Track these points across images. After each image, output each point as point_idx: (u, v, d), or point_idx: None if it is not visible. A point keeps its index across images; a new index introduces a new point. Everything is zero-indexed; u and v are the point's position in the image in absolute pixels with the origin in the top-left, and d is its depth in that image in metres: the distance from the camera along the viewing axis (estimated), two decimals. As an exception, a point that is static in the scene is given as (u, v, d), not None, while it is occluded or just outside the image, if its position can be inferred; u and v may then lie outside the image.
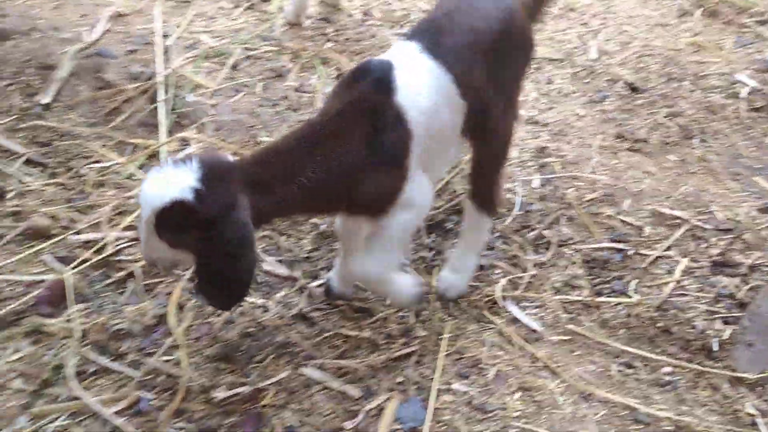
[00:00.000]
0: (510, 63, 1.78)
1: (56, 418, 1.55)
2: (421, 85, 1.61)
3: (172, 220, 1.41)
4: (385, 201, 1.61)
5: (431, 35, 1.66)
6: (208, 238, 1.41)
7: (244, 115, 2.44)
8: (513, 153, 2.48)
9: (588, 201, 2.32)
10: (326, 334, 1.81)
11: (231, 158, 1.53)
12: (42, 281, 1.83)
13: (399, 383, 1.72)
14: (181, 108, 2.42)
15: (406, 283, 1.77)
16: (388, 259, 1.70)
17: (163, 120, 2.35)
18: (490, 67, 1.70)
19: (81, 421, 1.55)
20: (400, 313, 1.90)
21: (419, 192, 1.66)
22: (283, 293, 1.92)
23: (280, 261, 2.01)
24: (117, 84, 2.46)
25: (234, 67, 2.63)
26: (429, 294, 1.93)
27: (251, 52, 2.71)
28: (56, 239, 1.95)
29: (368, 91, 1.57)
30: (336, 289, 1.91)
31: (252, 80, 2.59)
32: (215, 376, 1.67)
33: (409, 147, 1.59)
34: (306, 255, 2.05)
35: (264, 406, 1.61)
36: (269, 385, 1.66)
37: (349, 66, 2.71)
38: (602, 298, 2.01)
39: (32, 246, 1.93)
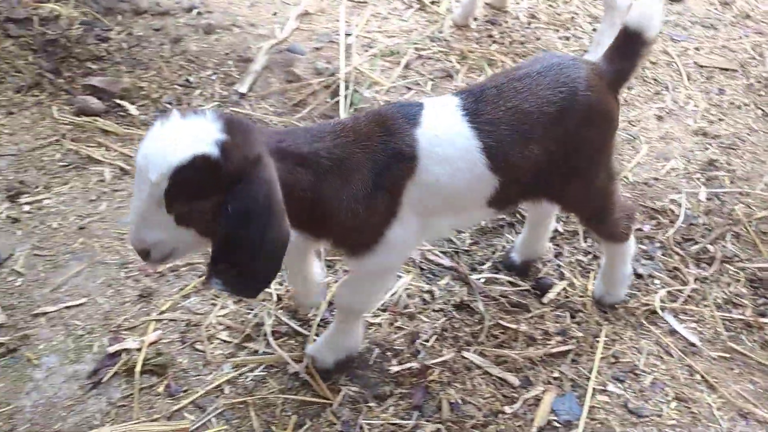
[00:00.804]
0: (578, 141, 1.63)
1: (254, 369, 1.81)
2: (444, 136, 1.53)
3: (191, 183, 1.21)
4: (370, 235, 1.52)
5: (474, 100, 1.57)
6: (235, 199, 1.23)
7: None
8: (679, 164, 2.47)
9: (758, 219, 2.27)
10: (485, 324, 1.95)
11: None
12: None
13: (555, 378, 1.82)
14: (357, 103, 2.63)
15: (359, 332, 1.77)
16: (375, 295, 1.71)
17: (343, 113, 2.57)
18: (547, 148, 1.58)
19: (275, 373, 1.80)
20: (557, 312, 1.99)
21: (407, 234, 1.56)
22: (445, 281, 2.07)
23: (443, 252, 2.16)
24: (304, 78, 2.73)
25: (407, 66, 2.80)
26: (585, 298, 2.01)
27: (422, 52, 2.87)
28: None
29: (391, 112, 1.53)
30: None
31: (423, 79, 2.76)
32: (387, 350, 1.87)
33: (405, 185, 1.50)
34: (466, 248, 2.19)
35: (431, 381, 1.78)
36: (435, 364, 1.82)
37: (514, 68, 2.81)
38: (766, 319, 1.99)
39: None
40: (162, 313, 1.91)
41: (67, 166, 2.36)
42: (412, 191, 1.51)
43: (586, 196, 1.76)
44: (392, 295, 1.99)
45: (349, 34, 2.93)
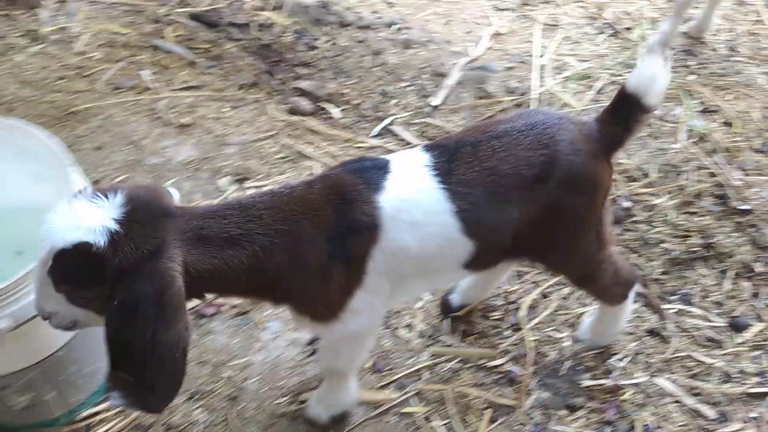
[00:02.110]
0: (559, 207, 1.49)
1: (450, 360, 1.94)
2: (412, 200, 1.39)
3: (73, 269, 1.15)
4: (333, 304, 1.42)
5: (447, 159, 1.43)
6: (120, 293, 1.13)
7: (605, 136, 2.65)
8: None
9: None
10: (678, 354, 1.95)
11: (173, 198, 1.29)
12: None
13: (753, 418, 1.79)
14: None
15: (353, 387, 1.71)
16: (357, 358, 1.62)
17: (533, 131, 2.67)
18: (525, 212, 1.45)
19: (469, 368, 1.92)
20: (754, 353, 1.95)
21: (374, 300, 1.45)
22: (635, 306, 2.10)
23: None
24: (495, 95, 2.85)
25: (600, 90, 2.85)
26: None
27: (616, 78, 2.90)
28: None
29: (349, 177, 1.39)
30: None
31: (615, 105, 2.79)
32: (578, 365, 1.93)
33: (369, 253, 1.38)
34: (656, 277, 2.19)
35: (623, 400, 1.82)
36: (628, 384, 1.86)
37: (712, 100, 2.77)
38: None
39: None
40: (368, 299, 2.09)
41: (283, 158, 2.64)
42: (377, 259, 1.39)
43: (570, 262, 1.66)
44: (582, 314, 2.06)
45: (541, 56, 3.03)
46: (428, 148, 1.46)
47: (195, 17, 3.37)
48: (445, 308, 2.03)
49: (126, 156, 2.58)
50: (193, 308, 2.03)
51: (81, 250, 1.12)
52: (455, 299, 2.02)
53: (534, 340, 1.98)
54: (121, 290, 1.14)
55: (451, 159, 1.42)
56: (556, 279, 2.15)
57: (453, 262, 1.48)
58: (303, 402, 1.82)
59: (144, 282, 1.14)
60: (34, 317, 1.44)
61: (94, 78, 2.95)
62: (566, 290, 2.13)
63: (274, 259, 1.31)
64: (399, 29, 3.24)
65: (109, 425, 1.76)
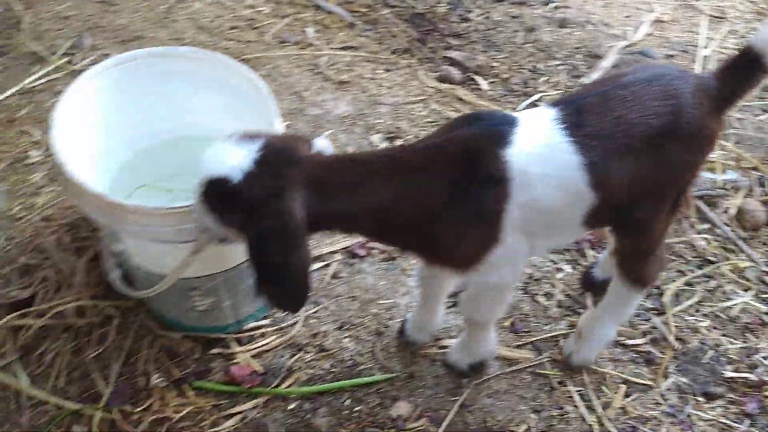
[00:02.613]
0: (675, 162, 1.48)
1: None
2: (541, 154, 1.40)
3: (216, 197, 1.36)
4: (468, 258, 1.47)
5: (576, 111, 1.43)
6: (252, 227, 1.34)
7: (767, 135, 2.56)
8: None
9: None
10: (829, 361, 1.90)
11: (306, 148, 1.40)
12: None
13: None
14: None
15: (492, 338, 1.77)
16: (496, 308, 1.65)
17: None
18: (646, 165, 1.44)
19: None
20: None
21: (512, 255, 1.48)
22: None
23: (784, 278, 2.13)
24: (652, 82, 2.81)
25: (765, 89, 2.74)
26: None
27: (785, 77, 2.78)
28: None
29: (475, 135, 1.40)
30: (409, 332, 1.92)
31: (782, 104, 2.68)
32: (721, 356, 1.92)
33: (503, 208, 1.40)
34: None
35: (766, 396, 1.81)
36: (774, 382, 1.84)
37: None
38: None
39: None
40: (510, 263, 2.17)
41: (431, 122, 2.74)
42: (512, 214, 1.42)
43: (651, 224, 1.58)
44: (727, 308, 2.04)
45: (705, 47, 2.94)
46: (554, 104, 1.49)
47: (354, -17, 3.52)
48: (587, 281, 2.07)
49: (289, 105, 2.77)
50: (346, 248, 2.19)
51: (222, 183, 1.33)
52: (597, 273, 2.05)
53: (676, 326, 1.99)
54: (253, 223, 1.33)
55: (578, 111, 1.44)
56: (703, 270, 2.14)
57: (576, 217, 1.50)
58: (443, 347, 1.93)
59: (270, 218, 1.32)
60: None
61: (262, 30, 3.17)
62: (713, 283, 2.11)
63: (396, 209, 1.40)
64: (556, 8, 3.24)
65: (269, 339, 1.95)
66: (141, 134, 2.05)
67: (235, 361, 1.89)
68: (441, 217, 1.40)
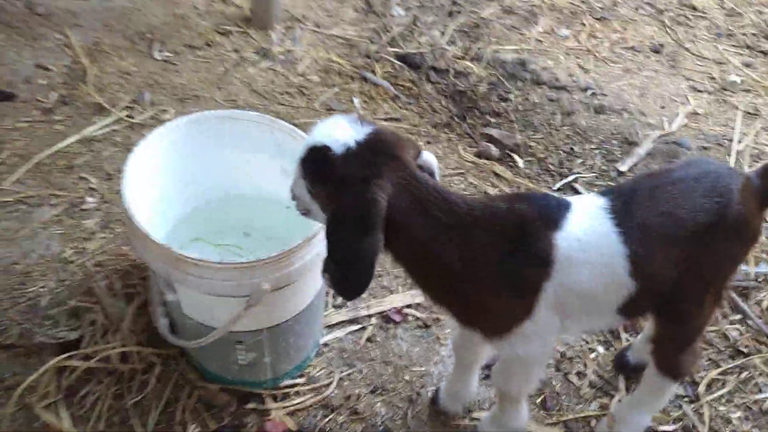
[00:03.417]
0: (720, 254, 1.54)
1: (618, 417, 2.00)
2: (588, 240, 1.45)
3: (313, 165, 1.39)
4: (499, 326, 1.52)
5: (625, 202, 1.49)
6: (335, 201, 1.37)
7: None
8: None
9: None
10: None
11: (413, 153, 1.45)
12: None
13: None
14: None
15: (524, 412, 1.76)
16: (527, 383, 1.66)
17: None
18: (690, 258, 1.49)
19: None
20: None
21: (543, 331, 1.52)
22: None
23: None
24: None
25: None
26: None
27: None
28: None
29: (531, 213, 1.45)
30: (442, 401, 1.93)
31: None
32: None
33: (541, 287, 1.46)
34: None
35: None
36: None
37: None
38: None
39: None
40: (543, 339, 2.20)
41: (469, 194, 2.84)
42: (549, 293, 1.47)
43: (694, 315, 1.61)
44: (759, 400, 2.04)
45: (740, 141, 3.03)
46: (605, 193, 1.55)
47: (401, 57, 3.70)
48: (620, 364, 2.09)
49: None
50: (381, 312, 2.24)
51: (321, 151, 1.37)
52: (631, 357, 2.07)
53: (708, 416, 1.99)
54: (337, 199, 1.37)
55: (628, 202, 1.49)
56: (735, 362, 2.15)
57: (612, 304, 1.54)
58: (474, 419, 1.95)
59: (354, 199, 1.35)
60: (282, 287, 1.71)
61: (311, 97, 3.34)
62: (745, 374, 2.12)
63: (447, 252, 1.42)
64: (593, 94, 3.37)
65: (303, 398, 1.99)
66: (199, 191, 2.16)
67: (269, 417, 1.93)
68: (483, 280, 1.45)
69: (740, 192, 1.52)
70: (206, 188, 2.18)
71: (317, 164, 1.38)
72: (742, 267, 2.43)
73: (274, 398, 1.98)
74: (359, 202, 1.34)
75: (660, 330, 1.69)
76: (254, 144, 2.09)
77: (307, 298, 1.86)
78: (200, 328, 1.79)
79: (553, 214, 1.48)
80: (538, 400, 2.02)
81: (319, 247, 1.74)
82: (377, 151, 1.37)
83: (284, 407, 1.96)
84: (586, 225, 1.48)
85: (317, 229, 1.70)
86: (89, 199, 2.62)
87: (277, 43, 3.72)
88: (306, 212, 1.53)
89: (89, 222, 2.51)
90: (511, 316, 1.50)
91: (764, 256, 2.50)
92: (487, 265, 1.44)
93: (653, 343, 1.74)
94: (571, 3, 4.02)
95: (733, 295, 2.35)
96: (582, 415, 1.98)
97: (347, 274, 1.41)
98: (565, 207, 1.50)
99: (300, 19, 4.01)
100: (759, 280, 2.40)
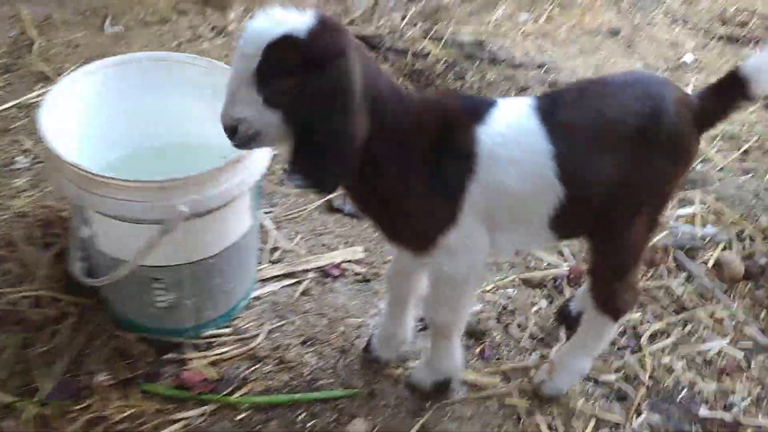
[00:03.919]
0: (653, 170, 1.47)
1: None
2: (511, 135, 1.41)
3: (279, 59, 1.26)
4: (425, 234, 1.45)
5: (552, 101, 1.46)
6: (312, 82, 1.26)
7: (747, 193, 2.58)
8: None
9: None
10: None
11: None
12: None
13: None
14: (690, 173, 2.68)
15: (458, 353, 1.71)
16: (458, 310, 1.60)
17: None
18: (621, 166, 1.43)
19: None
20: None
21: (470, 243, 1.46)
22: (762, 357, 1.99)
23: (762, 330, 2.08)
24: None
25: (745, 152, 2.79)
26: None
27: (763, 144, 2.84)
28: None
29: (455, 104, 1.44)
30: (374, 347, 1.85)
31: (763, 165, 2.72)
32: (695, 394, 1.85)
33: (465, 185, 1.40)
34: (790, 336, 2.07)
35: (742, 438, 1.73)
36: (750, 425, 1.76)
37: None
38: None
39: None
40: (484, 292, 2.13)
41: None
42: (474, 193, 1.42)
43: (627, 237, 1.54)
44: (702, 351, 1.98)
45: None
46: (535, 96, 1.50)
47: (359, 38, 3.64)
48: (562, 315, 2.02)
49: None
50: (319, 268, 2.16)
51: (288, 40, 1.25)
52: (573, 307, 2.00)
53: (650, 366, 1.92)
54: (315, 79, 1.26)
55: (554, 101, 1.46)
56: (680, 315, 2.09)
57: (543, 213, 1.48)
58: (409, 369, 1.86)
59: (332, 76, 1.26)
60: (202, 215, 1.63)
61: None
62: (689, 327, 2.06)
63: (388, 141, 1.36)
64: (548, 71, 3.36)
65: (227, 348, 1.89)
66: (129, 138, 2.06)
67: (188, 367, 1.82)
68: (412, 175, 1.39)
69: (675, 104, 1.45)
70: (137, 135, 2.08)
71: (282, 57, 1.26)
72: (690, 227, 2.39)
73: (196, 348, 1.87)
74: (342, 77, 1.27)
75: (594, 257, 1.62)
76: (190, 89, 2.02)
77: (232, 234, 1.77)
78: (117, 264, 1.69)
79: (476, 108, 1.44)
80: (477, 350, 1.94)
81: (243, 175, 1.66)
82: (334, 29, 1.30)
83: (205, 356, 1.85)
84: (510, 121, 1.43)
85: (242, 154, 1.63)
86: (21, 159, 2.51)
87: (235, 21, 3.67)
88: (252, 138, 1.36)
89: (18, 181, 2.40)
90: (437, 221, 1.44)
91: (711, 217, 2.46)
92: (417, 159, 1.38)
93: (590, 276, 1.67)
94: (531, -11, 4.03)
95: (679, 254, 2.30)
96: (521, 365, 1.90)
97: (329, 161, 1.31)
98: (489, 104, 1.46)
99: (259, 1, 3.97)
100: (705, 240, 2.36)
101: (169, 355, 1.84)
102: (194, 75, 2.01)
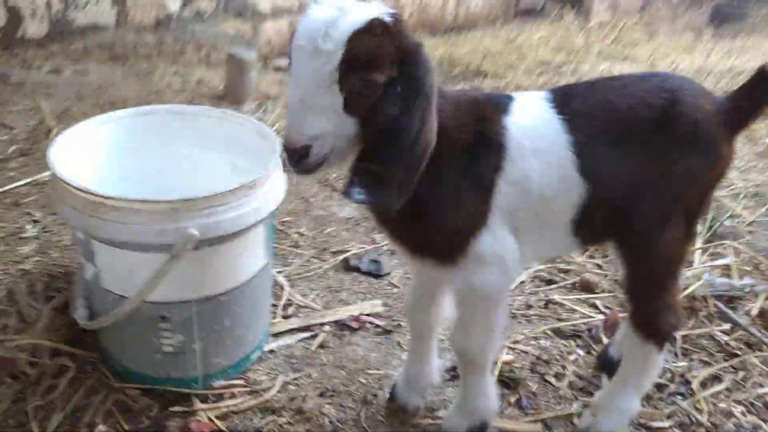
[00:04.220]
0: (674, 163, 1.38)
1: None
2: (534, 127, 1.36)
3: (368, 49, 1.10)
4: (456, 236, 1.33)
5: (563, 93, 1.42)
6: (405, 78, 1.13)
7: (778, 247, 2.48)
8: None
9: None
10: None
11: None
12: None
13: None
14: (718, 229, 2.59)
15: (492, 392, 1.55)
16: (488, 333, 1.44)
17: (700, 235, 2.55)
18: (637, 159, 1.36)
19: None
20: None
21: (500, 249, 1.36)
22: None
23: None
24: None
25: (771, 208, 2.73)
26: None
27: (790, 199, 2.79)
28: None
29: (483, 96, 1.41)
30: (399, 394, 1.68)
31: (790, 223, 2.64)
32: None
33: (495, 180, 1.32)
34: None
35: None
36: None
37: None
38: None
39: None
40: (515, 343, 1.97)
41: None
42: (503, 190, 1.34)
43: (655, 242, 1.42)
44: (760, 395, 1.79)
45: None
46: (549, 90, 1.47)
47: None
48: (603, 361, 1.85)
49: (295, 207, 2.77)
50: (337, 321, 2.02)
51: (377, 25, 1.11)
52: (614, 352, 1.83)
53: (707, 412, 1.73)
54: (409, 72, 1.15)
55: (567, 93, 1.42)
56: (728, 362, 1.92)
57: (566, 214, 1.40)
58: (438, 418, 1.67)
59: (424, 71, 1.15)
60: (213, 244, 1.54)
61: (276, 151, 3.30)
62: (741, 374, 1.88)
63: (430, 141, 1.22)
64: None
65: (239, 400, 1.71)
66: (141, 186, 2.02)
67: (197, 418, 1.64)
68: (445, 176, 1.29)
69: (694, 96, 1.39)
70: (148, 184, 2.04)
71: (372, 49, 1.11)
72: (727, 279, 2.27)
73: (205, 401, 1.70)
74: (427, 74, 1.16)
75: (627, 271, 1.50)
76: (204, 139, 2.01)
77: (243, 271, 1.67)
78: (122, 304, 1.58)
79: (502, 101, 1.40)
80: (513, 399, 1.75)
81: (257, 203, 1.59)
82: (402, 23, 1.18)
83: (216, 408, 1.68)
84: (531, 112, 1.39)
85: (257, 179, 1.57)
86: (29, 228, 2.47)
87: (249, 113, 3.76)
88: (325, 159, 1.19)
89: (25, 248, 2.34)
90: (468, 222, 1.34)
91: (747, 269, 2.34)
92: (453, 154, 1.30)
93: (627, 296, 1.54)
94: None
95: (719, 303, 2.16)
96: (564, 412, 1.71)
97: (397, 169, 1.18)
98: (510, 97, 1.42)
99: (272, 97, 4.11)
100: (746, 291, 2.23)
101: (175, 408, 1.67)
102: (207, 125, 2.00)
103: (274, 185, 1.69)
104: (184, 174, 2.04)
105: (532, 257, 1.49)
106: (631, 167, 1.38)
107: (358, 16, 1.12)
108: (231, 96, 4.06)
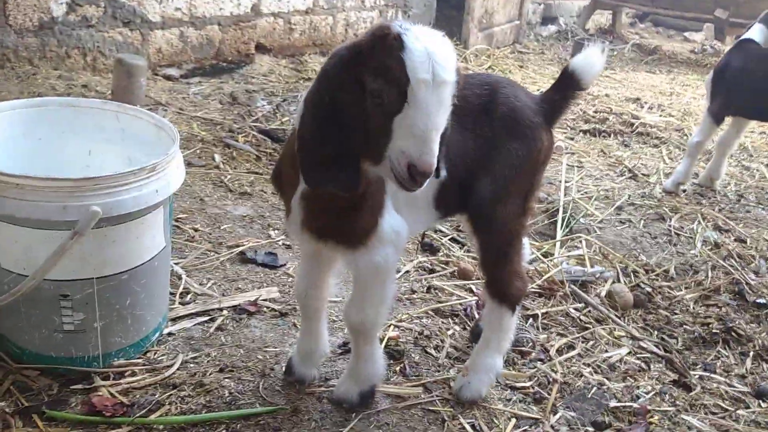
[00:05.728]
0: (501, 146, 1.67)
1: (477, 379, 1.96)
2: None
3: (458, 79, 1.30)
4: (370, 220, 1.52)
5: None
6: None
7: (626, 239, 2.88)
8: None
9: None
10: (704, 402, 1.95)
11: None
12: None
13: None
14: (574, 225, 2.97)
15: (380, 360, 1.73)
16: (381, 305, 1.62)
17: (559, 233, 2.91)
18: (475, 145, 1.64)
19: (495, 386, 1.93)
20: (782, 411, 1.95)
21: (396, 227, 1.56)
22: (658, 366, 2.14)
23: (656, 345, 2.24)
24: (525, 203, 3.16)
25: (619, 208, 3.14)
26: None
27: (635, 201, 3.22)
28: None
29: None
30: (295, 368, 1.83)
31: (635, 217, 3.06)
32: (605, 391, 1.94)
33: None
34: (678, 349, 2.26)
35: (651, 422, 1.81)
36: (657, 410, 1.86)
37: (726, 224, 3.03)
38: None
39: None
40: (399, 321, 2.17)
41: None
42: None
43: (496, 218, 1.68)
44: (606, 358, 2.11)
45: (568, 182, 3.39)
46: None
47: (263, 132, 3.86)
48: (475, 333, 2.09)
49: (189, 205, 2.84)
50: (235, 306, 2.13)
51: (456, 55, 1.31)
52: (483, 325, 2.07)
53: (561, 373, 2.01)
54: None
55: None
56: (580, 334, 2.23)
57: (430, 190, 1.58)
58: (331, 386, 1.83)
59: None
60: (114, 223, 1.61)
61: (171, 155, 3.34)
62: (591, 342, 2.20)
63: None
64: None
65: (139, 377, 1.77)
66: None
67: (98, 393, 1.69)
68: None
69: (511, 87, 1.71)
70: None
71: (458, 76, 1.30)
72: (580, 267, 2.61)
73: (105, 378, 1.75)
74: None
75: (475, 239, 1.74)
76: (98, 132, 2.05)
77: (145, 251, 1.75)
78: (20, 281, 1.61)
79: None
80: (397, 368, 1.94)
81: (159, 185, 1.68)
82: None
83: (116, 384, 1.73)
84: None
85: (157, 162, 1.67)
86: None
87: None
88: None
89: None
90: (378, 206, 1.52)
91: (598, 258, 2.71)
92: None
93: (479, 264, 1.78)
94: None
95: (574, 287, 2.49)
96: (441, 377, 1.92)
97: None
98: None
99: (163, 104, 4.12)
100: (596, 276, 2.58)
101: (76, 386, 1.71)
102: (101, 119, 2.04)
103: (174, 170, 1.78)
104: (78, 168, 2.07)
105: (410, 232, 1.67)
106: (470, 149, 1.63)
107: (448, 43, 1.30)
108: (119, 101, 4.02)
